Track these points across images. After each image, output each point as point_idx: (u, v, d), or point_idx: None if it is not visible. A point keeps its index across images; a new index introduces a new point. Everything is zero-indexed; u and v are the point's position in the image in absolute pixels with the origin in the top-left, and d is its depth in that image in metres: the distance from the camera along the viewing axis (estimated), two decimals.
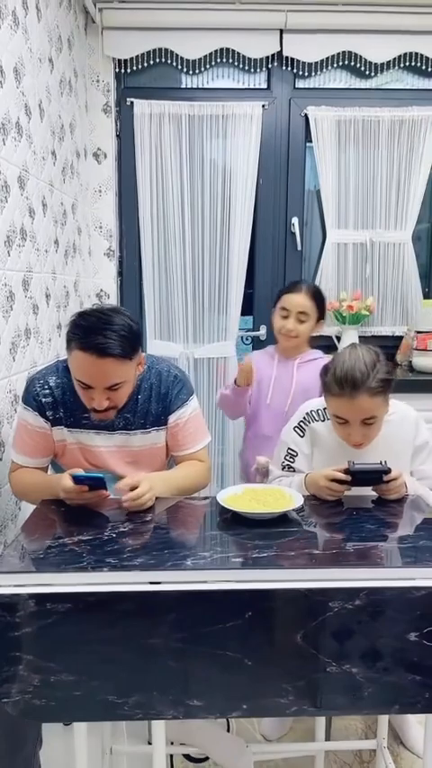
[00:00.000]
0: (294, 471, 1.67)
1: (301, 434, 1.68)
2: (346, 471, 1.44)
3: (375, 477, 1.46)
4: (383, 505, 1.49)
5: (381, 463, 1.45)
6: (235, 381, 2.15)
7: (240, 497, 1.44)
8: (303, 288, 2.17)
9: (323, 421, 1.65)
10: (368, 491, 1.52)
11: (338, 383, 1.47)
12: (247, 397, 2.20)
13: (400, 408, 1.65)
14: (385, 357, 1.56)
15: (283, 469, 1.69)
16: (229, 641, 1.13)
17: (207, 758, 1.71)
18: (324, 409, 1.65)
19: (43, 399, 1.59)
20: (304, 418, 1.69)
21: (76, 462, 1.63)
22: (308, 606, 1.14)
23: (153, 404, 1.64)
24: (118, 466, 1.64)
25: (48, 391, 1.59)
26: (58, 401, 1.59)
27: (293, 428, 1.70)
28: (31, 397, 1.60)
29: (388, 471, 1.44)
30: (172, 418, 1.66)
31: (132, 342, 1.48)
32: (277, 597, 1.14)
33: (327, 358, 2.17)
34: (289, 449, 1.69)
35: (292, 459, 1.68)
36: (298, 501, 1.39)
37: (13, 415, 1.83)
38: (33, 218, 2.05)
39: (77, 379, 1.49)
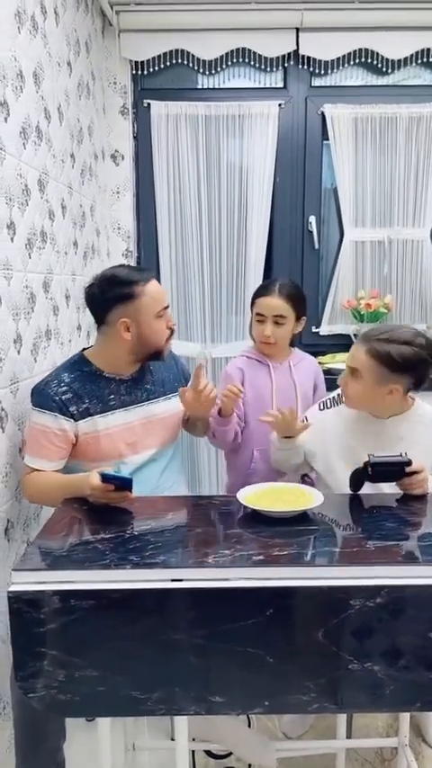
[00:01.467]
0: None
1: (321, 408, 1.78)
2: (366, 464, 1.44)
3: (396, 470, 1.45)
4: (404, 503, 1.49)
5: (401, 454, 1.44)
6: (219, 412, 1.87)
7: (261, 495, 1.44)
8: (276, 289, 1.98)
9: (338, 406, 1.73)
10: (387, 489, 1.52)
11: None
12: (235, 421, 1.95)
13: (429, 410, 1.68)
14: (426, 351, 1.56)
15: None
16: (251, 638, 1.14)
17: (228, 754, 1.72)
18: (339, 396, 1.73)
19: (63, 397, 1.61)
20: (332, 398, 1.78)
21: (102, 453, 1.66)
22: (329, 604, 1.14)
23: (165, 373, 1.82)
24: (145, 438, 1.73)
25: (65, 388, 1.63)
26: (79, 393, 1.63)
27: (319, 403, 1.81)
28: (48, 400, 1.61)
29: (409, 463, 1.43)
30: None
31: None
32: (298, 595, 1.15)
33: (310, 357, 2.20)
34: (305, 416, 1.79)
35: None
36: (318, 499, 1.40)
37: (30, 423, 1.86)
38: (53, 220, 2.07)
39: (162, 308, 1.66)
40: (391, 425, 1.63)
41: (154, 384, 1.77)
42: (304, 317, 2.09)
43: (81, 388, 1.64)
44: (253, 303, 2.04)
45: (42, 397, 1.62)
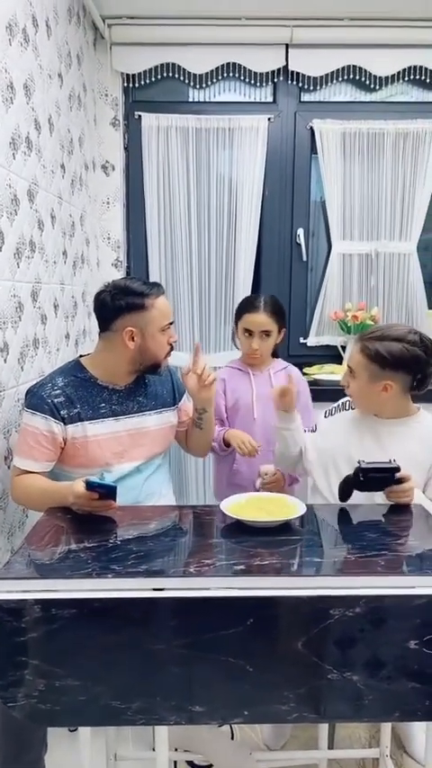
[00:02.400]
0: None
1: (326, 416, 1.84)
2: (357, 470, 1.45)
3: (386, 476, 1.46)
4: (385, 514, 1.51)
5: (390, 461, 1.46)
6: (225, 442, 2.11)
7: (244, 505, 1.46)
8: (262, 306, 2.14)
9: (347, 410, 1.79)
10: (379, 500, 1.53)
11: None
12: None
13: (429, 420, 1.71)
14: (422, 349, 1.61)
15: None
16: (232, 648, 1.14)
17: (211, 765, 1.72)
18: (345, 402, 1.81)
19: (56, 400, 1.64)
20: (338, 406, 1.84)
21: (89, 460, 1.69)
22: (309, 613, 1.15)
23: (158, 387, 1.83)
24: (132, 449, 1.74)
25: (59, 391, 1.66)
26: (71, 398, 1.66)
27: (326, 411, 1.86)
28: (41, 402, 1.64)
29: (398, 469, 1.45)
30: (183, 399, 1.91)
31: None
32: (279, 604, 1.16)
33: (291, 366, 2.30)
34: (316, 425, 1.86)
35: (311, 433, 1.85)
36: (301, 509, 1.41)
37: (21, 424, 1.86)
38: (42, 230, 2.09)
39: (168, 323, 1.72)
40: (390, 432, 1.66)
41: (147, 397, 1.79)
42: (284, 329, 2.25)
43: (74, 393, 1.67)
44: (239, 318, 2.18)
45: (35, 398, 1.65)
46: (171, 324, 1.75)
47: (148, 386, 1.80)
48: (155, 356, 1.73)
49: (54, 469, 1.70)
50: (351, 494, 1.51)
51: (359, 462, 1.45)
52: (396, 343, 1.58)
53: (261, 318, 2.13)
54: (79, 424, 1.66)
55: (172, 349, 1.78)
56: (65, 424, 1.65)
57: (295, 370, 2.29)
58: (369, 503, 1.55)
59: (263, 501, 1.49)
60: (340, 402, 1.84)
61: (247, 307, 2.17)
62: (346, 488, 1.50)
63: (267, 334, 2.15)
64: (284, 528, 1.38)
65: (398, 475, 1.46)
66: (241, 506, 1.45)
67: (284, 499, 1.49)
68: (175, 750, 1.66)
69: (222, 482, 2.26)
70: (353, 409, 1.77)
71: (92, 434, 1.68)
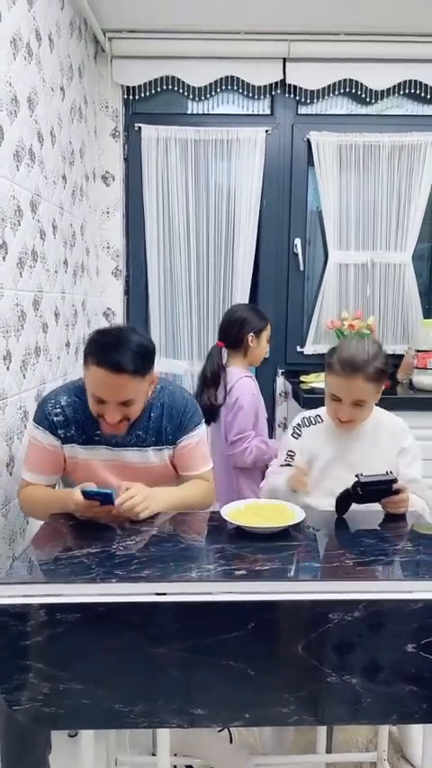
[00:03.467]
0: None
1: (297, 437, 1.80)
2: (355, 484, 1.48)
3: (383, 489, 1.49)
4: (383, 520, 1.53)
5: (387, 473, 1.48)
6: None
7: (244, 512, 1.48)
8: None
9: (316, 425, 1.78)
10: (370, 506, 1.56)
11: (341, 364, 1.62)
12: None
13: (391, 416, 1.77)
14: (385, 352, 1.69)
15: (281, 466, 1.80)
16: (233, 651, 1.16)
17: None
18: (317, 416, 1.79)
19: (54, 418, 1.63)
20: (299, 423, 1.82)
21: (88, 478, 1.65)
22: (308, 618, 1.17)
23: (164, 422, 1.67)
24: (133, 479, 1.64)
25: (59, 410, 1.64)
26: (69, 419, 1.63)
27: (291, 434, 1.82)
28: (43, 417, 1.64)
29: (395, 480, 1.48)
30: (184, 440, 1.69)
31: (146, 360, 1.55)
32: (279, 609, 1.18)
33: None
34: (289, 451, 1.79)
35: (291, 459, 1.78)
36: (300, 515, 1.44)
37: (23, 431, 1.89)
38: (44, 240, 2.12)
39: (93, 393, 1.54)
40: (364, 433, 1.71)
41: (148, 432, 1.66)
42: None
43: (72, 415, 1.63)
44: (265, 327, 2.38)
45: (39, 412, 1.66)
46: (102, 402, 1.53)
47: (151, 420, 1.66)
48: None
49: (64, 480, 1.73)
50: (349, 507, 1.54)
51: (357, 476, 1.48)
52: (379, 352, 1.65)
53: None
54: (73, 445, 1.65)
55: (109, 425, 1.56)
56: (62, 442, 1.64)
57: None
58: (365, 509, 1.58)
59: (262, 507, 1.51)
60: (303, 419, 1.80)
61: (268, 317, 2.44)
62: (343, 502, 1.53)
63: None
64: (284, 534, 1.40)
65: (395, 486, 1.49)
66: (241, 512, 1.48)
67: (284, 505, 1.51)
68: (175, 755, 1.67)
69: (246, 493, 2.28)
70: (320, 422, 1.78)
71: (83, 459, 1.65)
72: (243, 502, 1.55)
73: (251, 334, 2.32)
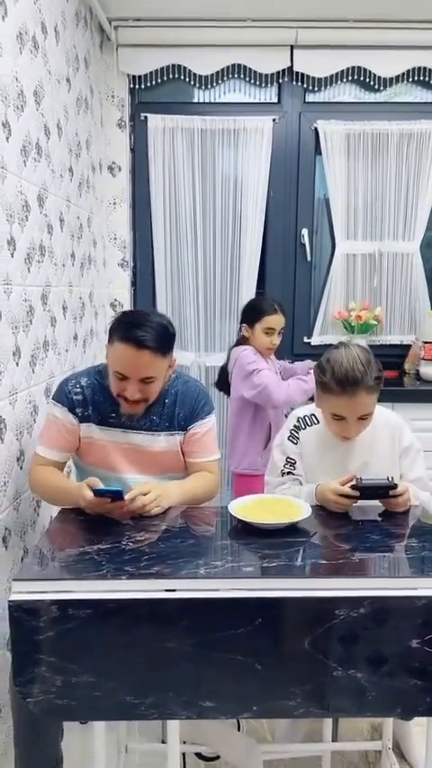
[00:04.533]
0: (295, 477, 1.73)
1: (295, 442, 1.74)
2: (354, 487, 1.50)
3: (382, 492, 1.52)
4: (389, 516, 1.55)
5: (388, 478, 1.50)
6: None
7: (251, 507, 1.50)
8: (278, 308, 2.50)
9: (311, 426, 1.72)
10: (375, 503, 1.57)
11: (339, 383, 1.53)
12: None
13: (384, 414, 1.71)
14: (372, 354, 1.62)
15: (283, 476, 1.75)
16: (240, 646, 1.19)
17: (218, 757, 1.77)
18: (312, 415, 1.73)
19: (74, 397, 1.69)
20: (295, 426, 1.75)
21: (100, 460, 1.71)
22: (315, 614, 1.20)
23: (178, 408, 1.73)
24: (138, 466, 1.72)
25: (79, 390, 1.70)
26: (88, 399, 1.69)
27: (287, 438, 1.75)
28: (63, 395, 1.70)
29: (395, 486, 1.49)
30: (194, 426, 1.73)
31: (167, 340, 1.62)
32: (286, 605, 1.20)
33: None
34: (288, 458, 1.74)
35: (292, 467, 1.73)
36: (306, 511, 1.46)
37: (33, 426, 1.91)
38: (51, 234, 2.12)
39: (115, 370, 1.59)
40: (359, 438, 1.66)
41: (162, 417, 1.70)
42: None
43: (91, 396, 1.70)
44: (258, 319, 2.49)
45: (60, 391, 1.72)
46: (124, 378, 1.58)
47: (165, 407, 1.71)
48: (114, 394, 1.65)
49: (76, 463, 1.77)
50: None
51: (357, 480, 1.50)
52: (370, 359, 1.57)
53: (280, 319, 2.50)
54: (89, 424, 1.71)
55: (128, 402, 1.61)
56: (79, 421, 1.70)
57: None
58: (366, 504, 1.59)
59: (269, 502, 1.53)
60: (299, 420, 1.74)
61: (268, 309, 2.50)
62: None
63: (283, 330, 2.54)
64: (290, 529, 1.42)
65: (393, 492, 1.50)
66: (248, 508, 1.49)
67: (290, 501, 1.53)
68: (184, 743, 1.71)
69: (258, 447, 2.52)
70: (316, 424, 1.72)
71: (98, 438, 1.71)
72: (251, 497, 1.57)
73: (244, 324, 2.53)
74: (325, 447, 1.68)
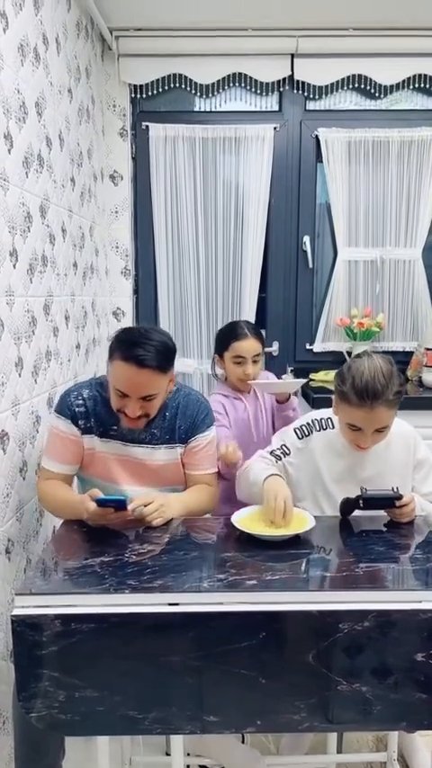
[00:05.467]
0: (277, 461, 1.71)
1: (300, 437, 1.71)
2: (359, 498, 1.49)
3: (387, 502, 1.51)
4: (393, 527, 1.54)
5: (393, 489, 1.49)
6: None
7: (254, 518, 1.50)
8: (247, 332, 2.10)
9: (326, 430, 1.69)
10: (379, 512, 1.57)
11: (359, 395, 1.49)
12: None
13: (399, 424, 1.67)
14: (396, 367, 1.58)
15: (270, 454, 1.72)
16: (244, 660, 1.18)
17: None
18: (329, 419, 1.69)
19: (77, 409, 1.69)
20: (308, 424, 1.71)
21: (101, 472, 1.71)
22: (319, 627, 1.19)
23: (179, 421, 1.73)
24: (139, 479, 1.72)
25: (81, 401, 1.70)
26: (90, 411, 1.69)
27: (293, 429, 1.73)
28: (65, 407, 1.70)
29: (400, 497, 1.49)
30: (195, 439, 1.74)
31: (168, 357, 1.61)
32: (289, 618, 1.20)
33: (271, 374, 2.25)
34: (284, 445, 1.71)
35: (282, 455, 1.71)
36: (310, 523, 1.45)
37: (36, 437, 1.91)
38: (53, 244, 2.13)
39: (116, 387, 1.59)
40: (373, 448, 1.64)
41: (162, 430, 1.71)
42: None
43: (93, 408, 1.69)
44: (225, 347, 2.12)
45: (62, 403, 1.71)
46: (125, 396, 1.58)
47: (166, 420, 1.71)
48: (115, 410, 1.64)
49: (78, 475, 1.77)
50: (352, 512, 1.55)
51: (363, 490, 1.49)
52: (392, 371, 1.54)
53: (251, 344, 2.09)
54: (91, 436, 1.71)
55: (129, 419, 1.60)
56: (81, 433, 1.70)
57: (271, 374, 2.29)
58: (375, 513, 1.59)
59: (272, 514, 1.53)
60: (312, 420, 1.72)
61: (233, 336, 2.11)
62: (346, 507, 1.55)
63: (258, 357, 2.11)
64: (294, 541, 1.42)
65: (398, 503, 1.50)
66: (251, 519, 1.49)
67: (294, 512, 1.52)
68: (188, 755, 1.70)
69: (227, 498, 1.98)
70: (331, 428, 1.68)
71: (99, 450, 1.71)
72: (253, 508, 1.57)
73: (215, 355, 2.20)
74: (337, 453, 1.66)
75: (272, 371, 2.36)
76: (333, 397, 1.64)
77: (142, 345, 1.55)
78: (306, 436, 1.71)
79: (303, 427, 1.72)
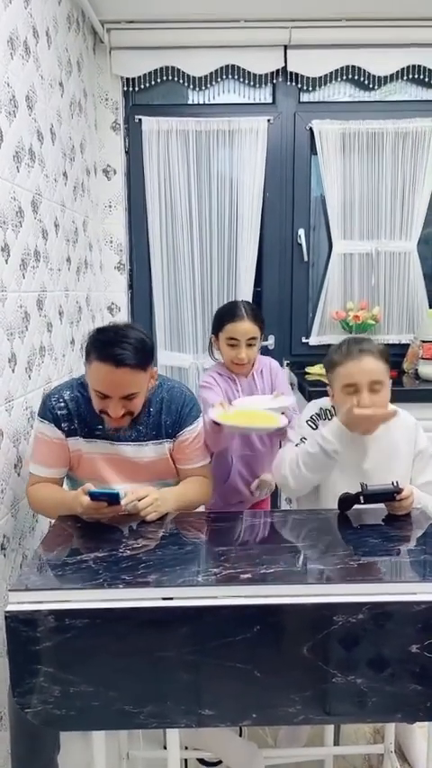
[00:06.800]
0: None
1: (314, 427, 1.73)
2: (360, 494, 1.49)
3: (388, 497, 1.51)
4: (388, 519, 1.54)
5: (393, 483, 1.49)
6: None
7: (232, 416, 1.68)
8: (244, 313, 2.05)
9: (331, 419, 1.68)
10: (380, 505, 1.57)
11: (344, 348, 1.62)
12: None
13: (399, 413, 1.68)
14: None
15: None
16: (239, 654, 1.18)
17: (220, 762, 1.76)
18: (332, 407, 1.71)
19: (59, 412, 1.67)
20: (317, 414, 1.75)
21: (90, 473, 1.70)
22: (313, 620, 1.19)
23: (164, 416, 1.72)
24: (129, 476, 1.71)
25: (63, 404, 1.68)
26: (72, 413, 1.68)
27: (306, 421, 1.75)
28: (47, 411, 1.68)
29: (400, 491, 1.49)
30: (183, 433, 1.73)
31: (146, 354, 1.59)
32: (284, 612, 1.20)
33: (269, 361, 2.22)
34: (303, 438, 1.71)
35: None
36: (282, 421, 1.64)
37: (30, 432, 1.90)
38: (46, 239, 2.11)
39: (96, 389, 1.57)
40: (376, 436, 1.66)
41: (148, 426, 1.70)
42: (264, 331, 2.15)
43: (75, 409, 1.68)
44: (220, 328, 2.08)
45: (44, 407, 1.70)
46: (105, 397, 1.56)
47: (150, 416, 1.70)
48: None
49: (68, 475, 1.76)
50: (351, 507, 1.55)
51: (362, 486, 1.49)
52: (371, 340, 1.68)
53: (246, 326, 2.03)
54: (76, 438, 1.69)
55: (112, 419, 1.59)
56: (65, 435, 1.68)
57: (275, 362, 2.24)
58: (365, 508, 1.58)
59: (250, 414, 1.73)
60: (320, 409, 1.75)
61: (228, 316, 2.06)
62: (346, 502, 1.54)
63: (253, 341, 2.06)
64: (288, 534, 1.42)
65: (398, 496, 1.50)
66: (230, 417, 1.66)
67: (268, 415, 1.70)
68: (186, 748, 1.71)
69: (218, 487, 2.04)
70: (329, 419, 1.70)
71: (86, 451, 1.69)
72: (230, 407, 1.74)
73: (212, 335, 2.17)
74: (341, 443, 1.65)
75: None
76: (328, 387, 1.70)
77: (118, 344, 1.52)
78: (317, 426, 1.73)
79: (314, 417, 1.76)
